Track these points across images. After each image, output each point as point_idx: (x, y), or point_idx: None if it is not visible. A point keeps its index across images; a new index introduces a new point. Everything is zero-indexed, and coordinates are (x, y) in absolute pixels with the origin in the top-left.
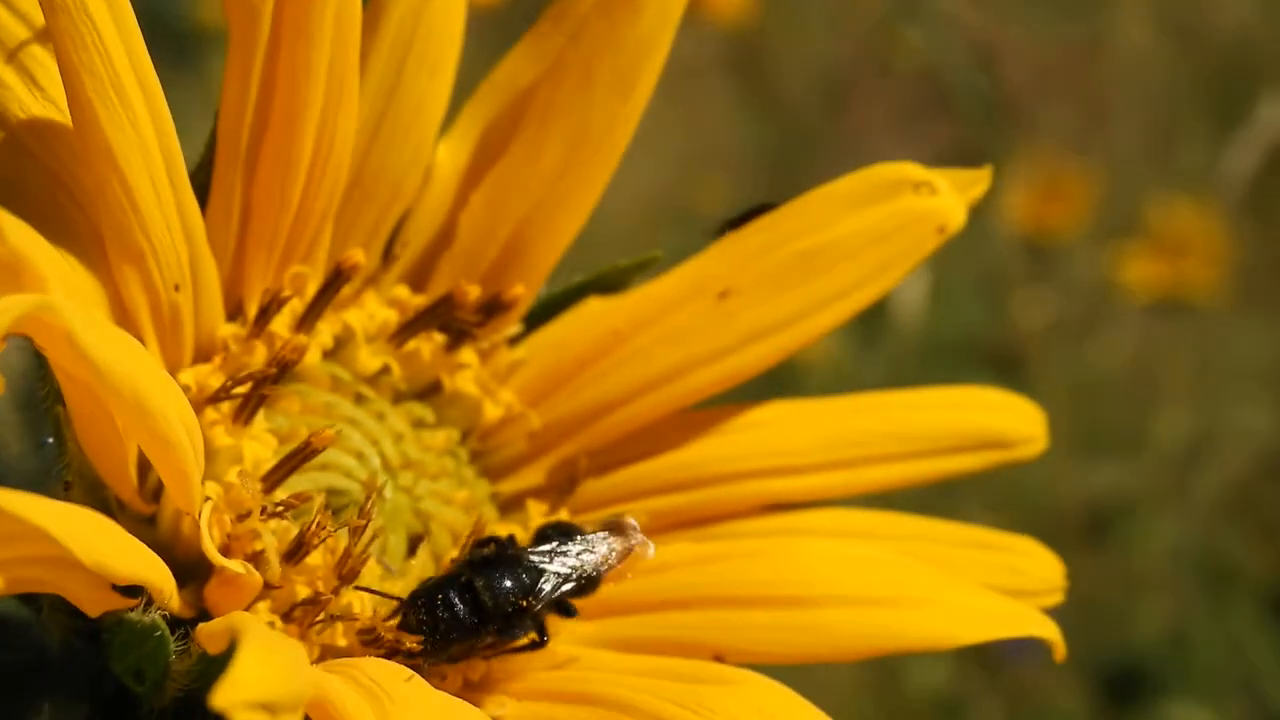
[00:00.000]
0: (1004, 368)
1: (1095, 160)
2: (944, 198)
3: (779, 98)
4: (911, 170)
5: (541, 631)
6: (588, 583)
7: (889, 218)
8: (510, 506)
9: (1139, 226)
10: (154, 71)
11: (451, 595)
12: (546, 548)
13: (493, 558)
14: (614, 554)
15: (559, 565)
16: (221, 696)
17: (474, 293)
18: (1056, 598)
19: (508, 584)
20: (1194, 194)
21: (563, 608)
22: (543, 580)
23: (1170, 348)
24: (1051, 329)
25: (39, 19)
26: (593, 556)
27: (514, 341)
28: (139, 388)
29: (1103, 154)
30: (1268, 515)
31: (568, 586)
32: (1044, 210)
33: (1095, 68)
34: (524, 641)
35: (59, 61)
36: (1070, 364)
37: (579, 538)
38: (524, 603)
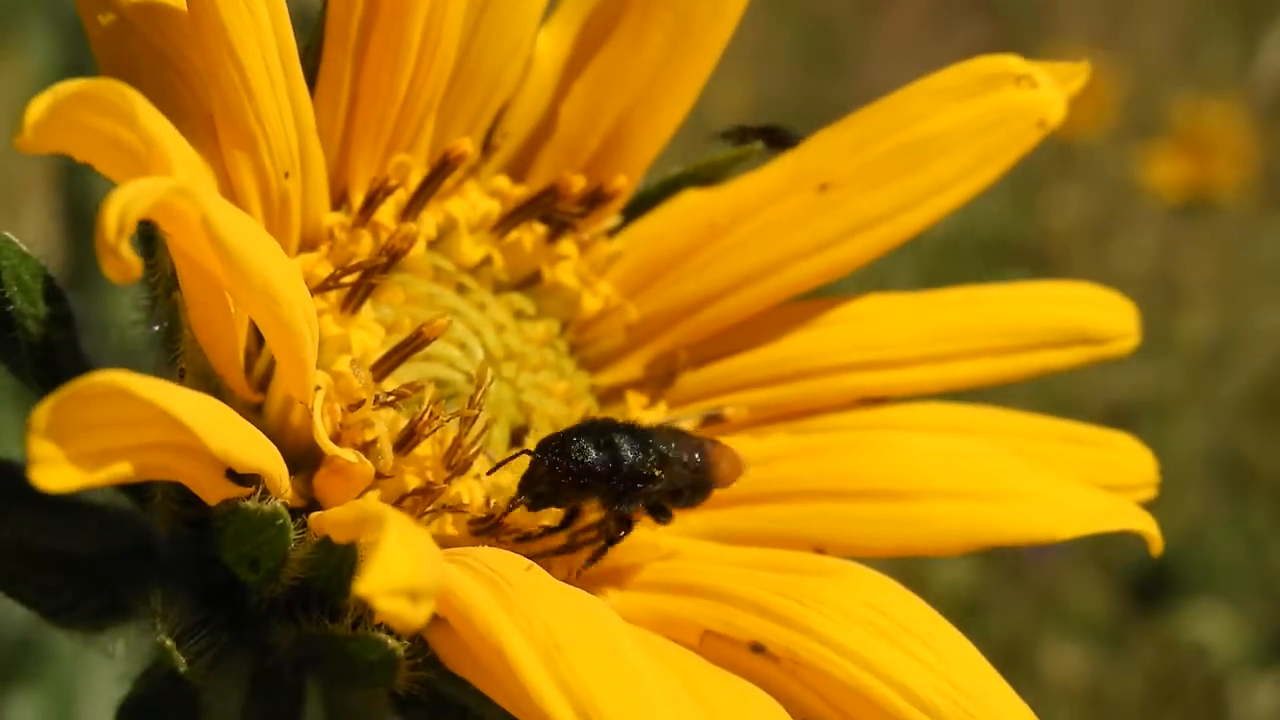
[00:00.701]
0: (1033, 266)
1: (1122, 59)
2: (1044, 91)
3: (810, 3)
4: (1013, 63)
5: (629, 524)
6: (698, 488)
7: (990, 111)
8: (609, 398)
9: (1165, 126)
10: None
11: (585, 441)
12: (671, 440)
13: (624, 424)
14: (725, 466)
15: (682, 454)
16: (367, 584)
17: (578, 184)
18: (1150, 492)
19: (637, 448)
20: (1220, 94)
21: (660, 509)
22: (669, 458)
23: (1194, 248)
24: (1077, 228)
25: None
26: (707, 460)
27: (612, 233)
28: (268, 274)
29: (1129, 53)
30: None
31: (685, 477)
32: (1072, 108)
33: None
34: (618, 531)
35: None
36: (1095, 263)
37: (694, 440)
38: (651, 471)
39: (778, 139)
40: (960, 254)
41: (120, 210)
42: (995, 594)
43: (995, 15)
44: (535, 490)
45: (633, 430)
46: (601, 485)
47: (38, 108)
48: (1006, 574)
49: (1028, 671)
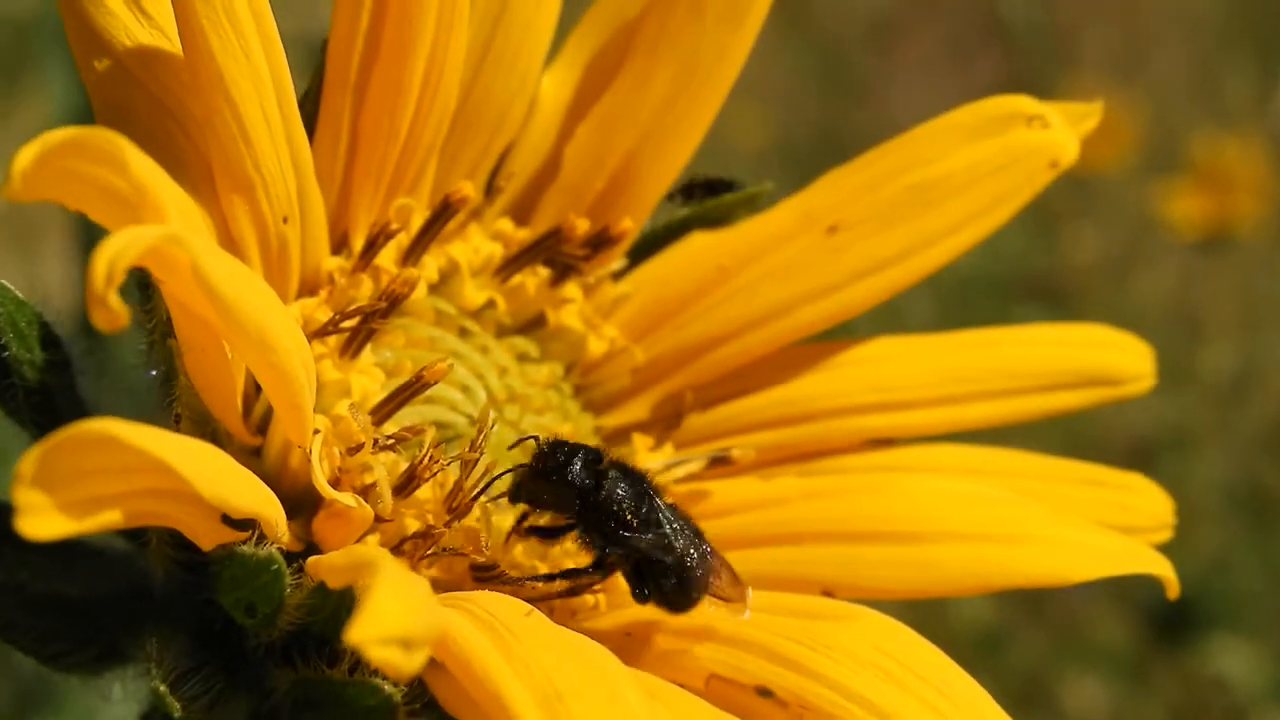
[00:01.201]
0: (1051, 302)
1: (1140, 95)
2: (1057, 131)
3: (824, 32)
4: (1025, 103)
5: (605, 569)
6: (683, 583)
7: (1001, 151)
8: (614, 440)
9: (1184, 161)
10: (266, 2)
11: (577, 455)
12: (673, 514)
13: (631, 469)
14: (724, 579)
15: (674, 527)
16: (358, 632)
17: (583, 226)
18: (1166, 534)
19: (626, 487)
20: (1238, 129)
21: (639, 577)
22: (654, 521)
23: (1214, 283)
24: (1096, 264)
25: None
26: (703, 558)
27: (618, 276)
28: (262, 321)
29: (1147, 89)
30: None
31: (665, 546)
32: (1089, 144)
33: (1139, 2)
34: (587, 579)
35: None
36: (1114, 298)
37: (698, 532)
38: (628, 517)
39: (723, 189)
40: (978, 290)
41: (109, 259)
42: (1016, 629)
43: (1011, 46)
44: (517, 486)
45: (631, 475)
46: (572, 501)
47: (25, 157)
48: (1027, 608)
49: (1049, 706)
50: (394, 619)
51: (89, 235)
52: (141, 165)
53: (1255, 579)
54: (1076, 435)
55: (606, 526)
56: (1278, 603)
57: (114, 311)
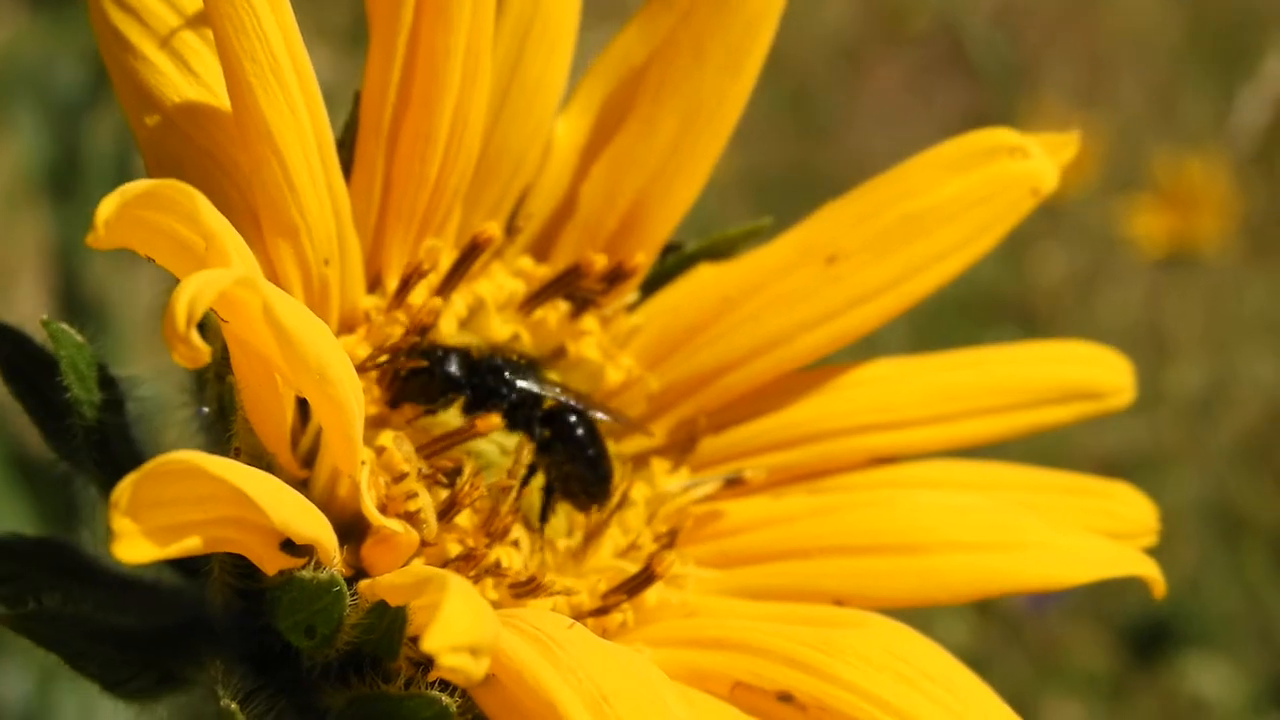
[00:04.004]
0: (1021, 323)
1: (1101, 118)
2: (1037, 161)
3: (789, 64)
4: (1006, 136)
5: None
6: (568, 411)
7: (987, 182)
8: (634, 464)
9: (1146, 181)
10: (306, 54)
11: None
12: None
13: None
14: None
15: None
16: (432, 641)
17: (600, 262)
18: (1151, 539)
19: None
20: (1200, 147)
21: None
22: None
23: (1180, 300)
24: (1063, 284)
25: (186, 4)
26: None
27: (631, 308)
28: (322, 356)
29: (1108, 110)
30: (1278, 464)
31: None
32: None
33: (1097, 25)
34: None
35: (219, 47)
36: (1082, 318)
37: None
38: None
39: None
40: (950, 315)
41: (189, 301)
42: (995, 652)
43: (974, 75)
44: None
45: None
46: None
47: (108, 208)
48: (1006, 632)
49: None
50: (465, 628)
51: (63, 277)
52: (211, 214)
53: (1230, 597)
54: (1049, 456)
55: (499, 384)
56: (1252, 620)
57: (196, 349)
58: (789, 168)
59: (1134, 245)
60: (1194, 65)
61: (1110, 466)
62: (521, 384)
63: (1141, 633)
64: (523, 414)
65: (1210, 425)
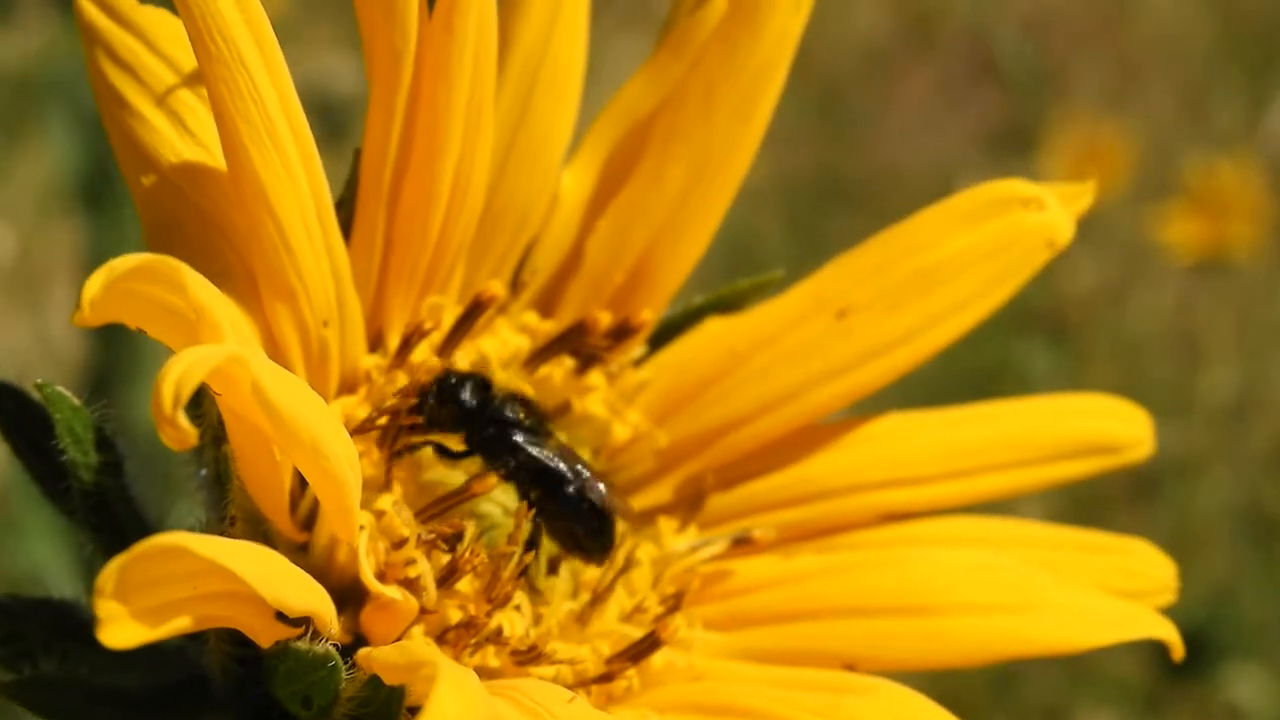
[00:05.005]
0: (1051, 333)
1: (1131, 122)
2: (1052, 212)
3: (820, 70)
4: (1020, 187)
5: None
6: (575, 483)
7: (1000, 233)
8: (640, 522)
9: (1178, 187)
10: (304, 115)
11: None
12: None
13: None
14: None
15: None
16: None
17: (605, 319)
18: (1169, 597)
19: (516, 406)
20: (1231, 153)
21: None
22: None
23: (1212, 306)
24: (1094, 292)
25: (182, 62)
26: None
27: (638, 362)
28: (315, 432)
29: (1138, 116)
30: None
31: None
32: (1084, 173)
33: (1126, 31)
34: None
35: (214, 108)
36: (1114, 326)
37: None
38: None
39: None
40: (979, 328)
41: (175, 382)
42: (1029, 664)
43: (1003, 82)
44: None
45: (525, 401)
46: (462, 419)
47: (94, 286)
48: None
49: None
50: (455, 717)
51: None
52: (198, 286)
53: (1264, 604)
54: None
55: (501, 436)
56: None
57: (184, 431)
58: (821, 177)
59: (1166, 251)
60: (1224, 70)
61: (1143, 474)
62: (518, 438)
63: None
64: (521, 474)
65: (1243, 431)
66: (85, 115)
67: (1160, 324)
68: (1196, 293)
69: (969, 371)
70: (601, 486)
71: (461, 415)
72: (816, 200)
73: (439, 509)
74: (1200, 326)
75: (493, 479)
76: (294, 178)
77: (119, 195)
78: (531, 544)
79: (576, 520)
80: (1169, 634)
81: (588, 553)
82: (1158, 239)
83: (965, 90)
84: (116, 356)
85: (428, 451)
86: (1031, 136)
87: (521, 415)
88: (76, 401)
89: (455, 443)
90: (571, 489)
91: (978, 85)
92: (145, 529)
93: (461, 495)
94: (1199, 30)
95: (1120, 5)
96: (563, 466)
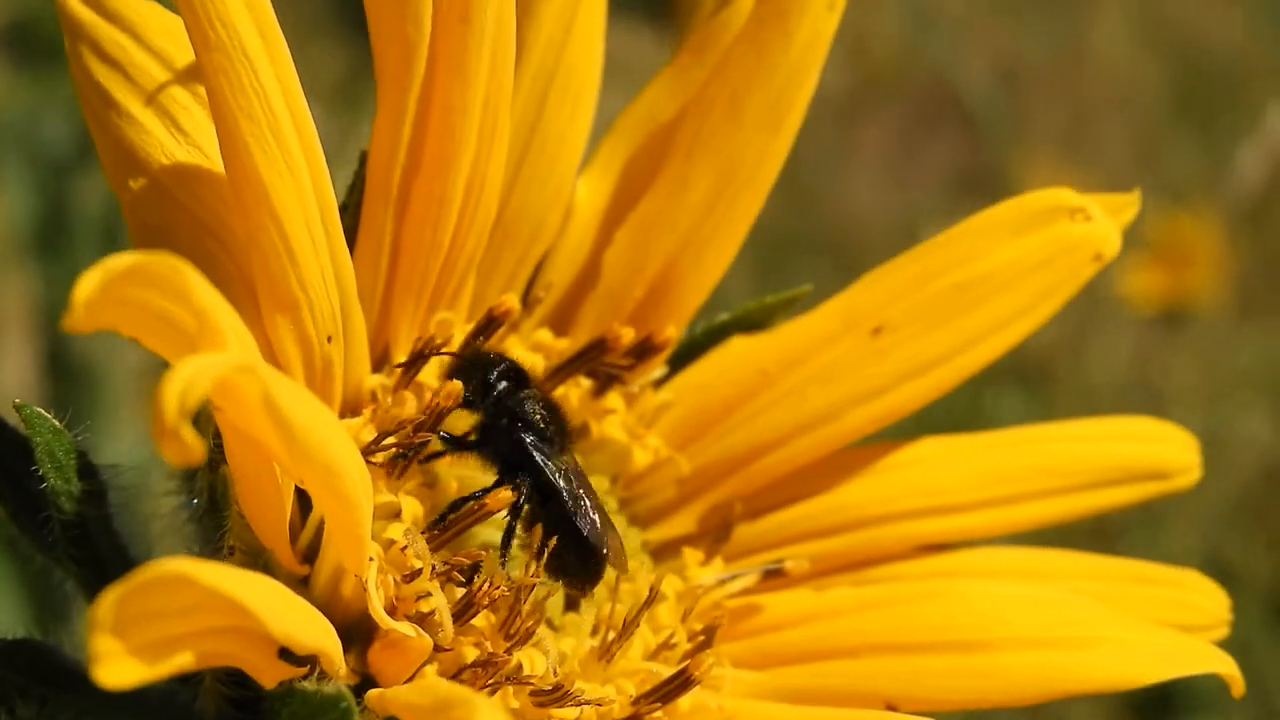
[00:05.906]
0: (1017, 382)
1: (1090, 172)
2: (1099, 224)
3: None
4: (1066, 196)
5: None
6: (574, 510)
7: (1044, 245)
8: (663, 554)
9: (1137, 236)
10: (308, 111)
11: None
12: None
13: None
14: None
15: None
16: None
17: (627, 335)
18: (1224, 630)
19: (539, 405)
20: (1187, 201)
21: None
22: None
23: (1173, 356)
24: (1054, 343)
25: (175, 57)
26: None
27: (658, 383)
28: (329, 448)
29: (1097, 166)
30: (1272, 521)
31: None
32: None
33: (1082, 78)
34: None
35: (213, 104)
36: (1077, 376)
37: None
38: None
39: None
40: None
41: (181, 391)
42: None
43: (964, 130)
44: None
45: (551, 404)
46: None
47: (88, 285)
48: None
49: None
50: None
51: (52, 333)
52: (204, 292)
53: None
54: None
55: (511, 431)
56: (1251, 678)
57: (188, 445)
58: (781, 221)
59: (1126, 302)
60: (1178, 119)
61: (1104, 524)
62: (527, 438)
63: (1146, 697)
64: (518, 476)
65: (1203, 483)
66: (40, 164)
67: (1121, 375)
68: (1157, 343)
69: (939, 421)
70: (596, 517)
71: (482, 396)
72: (779, 250)
73: (453, 530)
74: (1161, 376)
75: (507, 492)
76: (299, 179)
77: (75, 244)
78: (509, 534)
79: (566, 543)
80: (1229, 669)
81: (572, 579)
82: (1118, 290)
83: (926, 135)
84: (75, 403)
85: (439, 479)
86: (993, 182)
87: (538, 418)
88: (57, 424)
89: (466, 422)
90: (566, 508)
91: (938, 129)
92: (129, 564)
93: (473, 514)
94: (1151, 80)
95: (1078, 54)
96: (561, 482)
